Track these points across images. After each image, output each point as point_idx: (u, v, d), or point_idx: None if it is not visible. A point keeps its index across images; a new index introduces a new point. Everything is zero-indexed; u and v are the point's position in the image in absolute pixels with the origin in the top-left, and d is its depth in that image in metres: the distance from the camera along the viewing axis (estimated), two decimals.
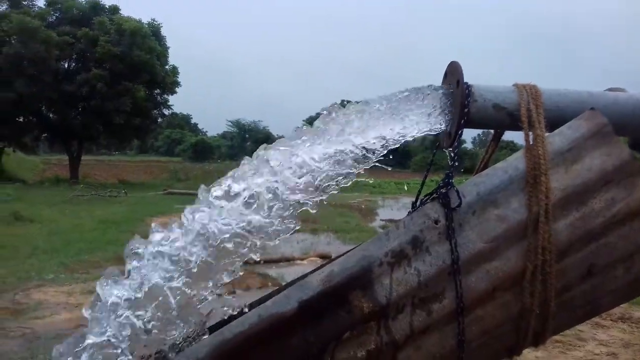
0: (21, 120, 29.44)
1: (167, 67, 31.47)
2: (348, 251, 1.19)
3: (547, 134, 1.18)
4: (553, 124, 1.22)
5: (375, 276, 1.11)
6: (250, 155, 1.24)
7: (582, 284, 1.17)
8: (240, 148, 73.65)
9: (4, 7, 27.98)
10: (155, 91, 31.21)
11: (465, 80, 1.24)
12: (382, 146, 1.17)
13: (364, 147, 1.20)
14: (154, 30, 30.40)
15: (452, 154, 1.22)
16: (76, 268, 8.00)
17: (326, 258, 7.52)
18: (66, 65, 29.71)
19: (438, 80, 1.36)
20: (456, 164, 1.20)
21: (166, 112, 33.86)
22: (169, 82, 31.11)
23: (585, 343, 5.70)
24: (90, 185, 24.35)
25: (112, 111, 27.40)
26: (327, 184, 1.18)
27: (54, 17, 29.50)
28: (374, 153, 1.21)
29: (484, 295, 1.13)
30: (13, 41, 26.12)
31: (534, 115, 1.19)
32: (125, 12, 31.29)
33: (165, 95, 32.19)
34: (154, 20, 31.32)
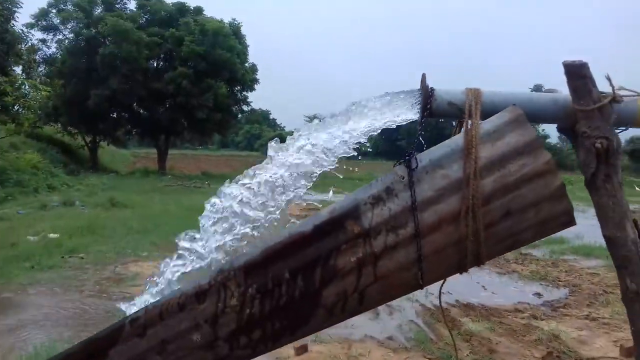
0: (114, 116, 31.83)
1: (246, 64, 32.89)
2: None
3: (481, 122, 1.78)
4: (490, 114, 1.82)
5: (362, 211, 1.75)
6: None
7: (504, 221, 1.76)
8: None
9: (100, 11, 30.34)
10: (236, 88, 32.71)
11: (431, 86, 1.87)
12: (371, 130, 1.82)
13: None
14: (235, 30, 31.86)
15: (419, 136, 1.85)
16: (165, 247, 9.03)
17: None
18: (155, 64, 31.75)
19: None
20: (423, 143, 1.83)
21: (245, 108, 35.39)
22: (248, 79, 32.53)
23: None
24: (176, 177, 26.08)
25: (196, 107, 29.05)
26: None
27: (144, 19, 31.52)
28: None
29: (433, 226, 1.75)
30: (108, 42, 28.32)
31: (473, 109, 1.79)
32: (208, 12, 32.97)
33: (245, 92, 33.67)
34: (234, 19, 32.82)
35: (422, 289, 1.86)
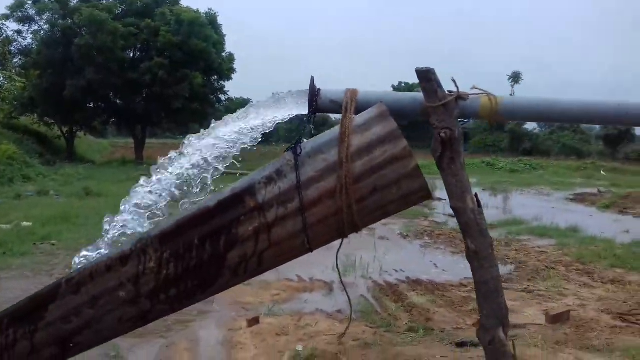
0: (91, 106, 31.85)
1: (223, 54, 33.03)
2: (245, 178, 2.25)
3: (355, 116, 2.19)
4: (364, 109, 2.23)
5: (257, 189, 2.16)
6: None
7: (372, 197, 2.17)
8: (298, 132, 75.64)
9: (76, 1, 30.21)
10: (212, 78, 32.87)
11: (319, 86, 2.28)
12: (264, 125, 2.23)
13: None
14: (211, 20, 31.92)
15: (311, 127, 2.26)
16: None
17: None
18: (131, 55, 31.73)
19: None
20: (312, 133, 2.24)
21: (222, 97, 35.59)
22: (225, 68, 32.70)
23: (565, 297, 6.39)
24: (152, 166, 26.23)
25: (172, 97, 29.20)
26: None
27: (120, 10, 31.44)
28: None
29: (315, 201, 2.15)
30: (83, 32, 28.27)
31: (349, 106, 2.20)
32: (184, 2, 32.94)
33: (222, 82, 33.86)
34: (210, 9, 32.86)
35: (311, 252, 2.28)
